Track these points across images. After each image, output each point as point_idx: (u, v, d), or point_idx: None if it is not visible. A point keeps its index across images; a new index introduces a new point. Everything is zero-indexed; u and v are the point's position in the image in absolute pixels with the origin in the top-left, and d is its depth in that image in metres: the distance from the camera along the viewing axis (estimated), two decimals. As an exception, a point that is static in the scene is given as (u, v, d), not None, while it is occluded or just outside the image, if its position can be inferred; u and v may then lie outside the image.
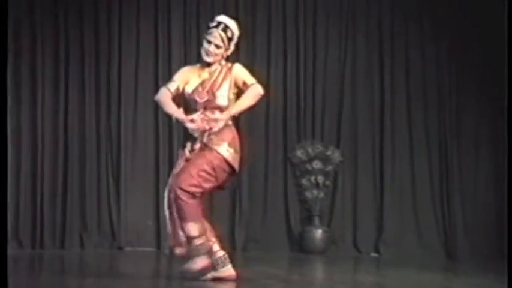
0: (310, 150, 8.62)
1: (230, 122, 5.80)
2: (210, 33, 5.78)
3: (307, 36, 8.92)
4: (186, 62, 8.65)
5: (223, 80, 5.83)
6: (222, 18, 5.89)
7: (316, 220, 8.60)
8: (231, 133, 5.78)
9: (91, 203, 8.62)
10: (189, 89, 5.76)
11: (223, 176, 5.70)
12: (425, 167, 8.83)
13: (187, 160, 5.63)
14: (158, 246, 8.58)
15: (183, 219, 5.55)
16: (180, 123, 5.71)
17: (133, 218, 8.64)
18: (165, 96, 5.74)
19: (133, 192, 8.66)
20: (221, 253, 5.67)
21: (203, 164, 5.58)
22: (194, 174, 5.54)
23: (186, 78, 5.81)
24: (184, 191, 5.51)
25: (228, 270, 5.64)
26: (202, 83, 5.77)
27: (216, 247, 5.66)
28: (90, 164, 8.66)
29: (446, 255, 8.61)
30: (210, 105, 5.75)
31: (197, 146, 5.64)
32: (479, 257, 8.31)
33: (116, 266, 7.37)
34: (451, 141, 8.83)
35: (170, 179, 5.65)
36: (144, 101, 8.70)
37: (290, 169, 8.76)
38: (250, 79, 5.90)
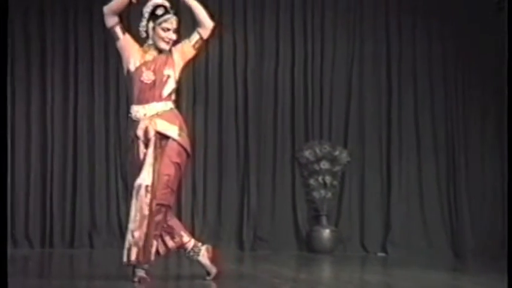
0: (317, 150, 8.59)
1: (173, 107, 5.51)
2: (166, 20, 5.49)
3: (315, 36, 8.89)
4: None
5: (166, 59, 5.52)
6: (161, 1, 5.54)
7: (324, 220, 8.56)
8: (177, 117, 5.52)
9: (100, 202, 8.63)
10: (132, 67, 5.48)
11: (184, 162, 5.48)
12: (432, 167, 8.80)
13: (144, 156, 5.36)
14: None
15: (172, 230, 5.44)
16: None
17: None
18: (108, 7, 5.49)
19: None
20: (191, 244, 5.51)
21: (171, 170, 5.35)
22: (168, 186, 5.34)
23: (136, 49, 5.49)
24: (164, 205, 5.34)
25: (207, 250, 5.50)
26: (145, 64, 5.47)
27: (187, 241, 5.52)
28: (99, 164, 8.66)
29: (454, 255, 8.57)
30: (154, 86, 5.46)
31: (151, 136, 5.36)
32: (486, 256, 8.26)
33: (125, 266, 7.31)
34: (458, 142, 8.79)
35: (141, 188, 5.28)
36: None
37: (298, 169, 8.73)
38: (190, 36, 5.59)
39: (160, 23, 5.50)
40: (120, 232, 8.54)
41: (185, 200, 8.60)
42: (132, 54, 5.49)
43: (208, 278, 5.50)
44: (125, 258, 5.31)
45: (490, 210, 8.63)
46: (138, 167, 5.36)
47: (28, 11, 8.67)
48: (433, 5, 8.85)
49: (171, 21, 5.52)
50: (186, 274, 5.95)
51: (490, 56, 8.59)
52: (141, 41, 5.59)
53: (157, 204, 5.30)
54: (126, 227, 5.37)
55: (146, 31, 5.53)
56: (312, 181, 8.61)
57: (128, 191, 8.57)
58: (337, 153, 8.64)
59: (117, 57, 8.41)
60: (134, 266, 5.38)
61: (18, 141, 8.60)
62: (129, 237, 5.28)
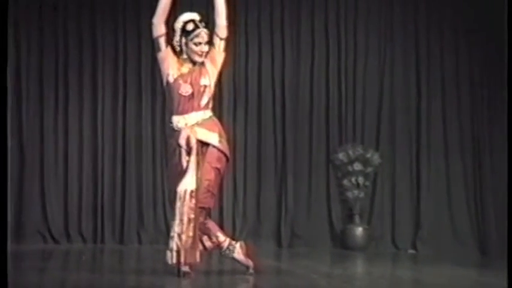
0: (351, 153, 8.60)
1: (212, 114, 5.62)
2: (197, 35, 5.57)
3: (348, 44, 8.90)
4: (235, 67, 8.70)
5: (200, 70, 5.61)
6: (191, 16, 5.66)
7: (357, 218, 8.58)
8: (216, 125, 5.64)
9: (147, 202, 8.69)
10: (171, 77, 5.57)
11: (223, 167, 5.61)
12: (459, 168, 8.77)
13: (186, 163, 5.47)
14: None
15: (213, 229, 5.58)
16: None
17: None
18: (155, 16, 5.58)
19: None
20: (226, 243, 5.66)
21: (211, 175, 5.48)
22: (209, 190, 5.48)
23: (174, 61, 5.61)
24: (205, 208, 5.50)
25: (241, 246, 5.64)
26: (182, 76, 5.57)
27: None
28: (146, 166, 8.73)
29: (480, 252, 8.55)
30: (193, 97, 5.57)
31: (193, 145, 5.47)
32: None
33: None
34: (484, 144, 8.76)
35: (186, 193, 5.39)
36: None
37: (332, 170, 8.76)
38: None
39: (192, 39, 5.58)
40: (166, 230, 8.60)
41: (226, 200, 8.64)
42: (171, 66, 5.58)
43: (248, 272, 5.58)
44: (173, 260, 5.42)
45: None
46: (181, 173, 5.45)
47: (81, 18, 8.76)
48: (460, 12, 8.83)
49: (202, 35, 5.60)
50: (228, 269, 6.00)
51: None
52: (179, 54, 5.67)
53: (200, 207, 5.42)
54: (170, 230, 5.46)
55: (180, 46, 5.62)
56: (345, 182, 8.64)
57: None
58: (369, 155, 8.65)
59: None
60: (174, 265, 5.46)
61: (72, 145, 8.70)
62: (176, 240, 5.39)
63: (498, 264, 7.70)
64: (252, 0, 8.89)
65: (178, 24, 5.64)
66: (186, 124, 5.53)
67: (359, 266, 7.41)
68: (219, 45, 5.62)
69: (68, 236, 8.59)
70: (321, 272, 6.13)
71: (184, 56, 5.63)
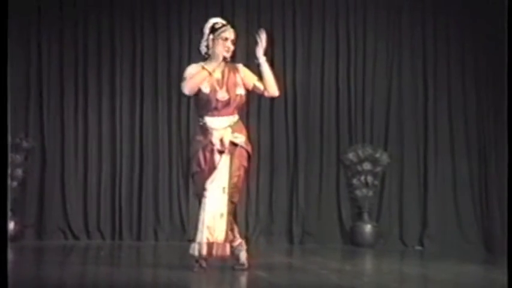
0: (360, 152, 8.60)
1: (238, 117, 5.79)
2: (224, 31, 5.69)
3: (358, 47, 8.89)
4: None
5: (235, 78, 5.75)
6: (220, 19, 5.81)
7: (366, 216, 8.58)
8: (243, 127, 5.80)
9: (163, 199, 8.71)
10: (206, 90, 5.68)
11: (249, 166, 5.78)
12: (465, 167, 8.76)
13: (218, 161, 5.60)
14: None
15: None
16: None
17: (201, 214, 8.68)
18: (188, 82, 5.65)
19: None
20: (238, 240, 5.77)
21: (240, 172, 5.64)
22: (237, 186, 5.65)
23: (196, 71, 5.71)
24: (233, 203, 5.64)
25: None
26: (217, 82, 5.70)
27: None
28: (163, 165, 8.75)
29: (485, 248, 8.52)
30: (229, 103, 5.70)
31: (226, 145, 5.62)
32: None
33: (186, 257, 7.42)
34: (489, 144, 8.75)
35: (218, 188, 5.55)
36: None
37: (342, 170, 8.75)
38: (257, 80, 5.78)
39: (219, 34, 5.69)
40: (181, 226, 8.64)
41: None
42: (204, 81, 5.67)
43: (237, 267, 5.69)
44: (201, 252, 5.53)
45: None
46: (211, 169, 5.57)
47: (100, 20, 8.78)
48: (466, 16, 8.81)
49: (230, 32, 5.72)
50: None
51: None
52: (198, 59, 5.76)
53: (231, 202, 5.56)
54: (196, 224, 5.58)
55: (207, 45, 5.69)
56: (355, 181, 8.64)
57: (188, 189, 8.69)
58: (378, 155, 8.64)
59: (179, 65, 8.69)
60: (199, 258, 5.51)
61: (91, 144, 8.74)
62: (206, 233, 5.51)
63: (503, 260, 7.64)
64: (265, 4, 8.89)
65: (208, 25, 5.77)
66: (219, 126, 5.65)
67: (368, 262, 7.41)
68: (256, 88, 5.78)
69: (88, 232, 8.63)
70: (331, 268, 6.13)
71: (210, 53, 5.72)
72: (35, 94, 8.72)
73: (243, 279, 5.58)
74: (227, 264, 5.84)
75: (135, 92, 8.80)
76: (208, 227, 5.51)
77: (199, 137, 5.70)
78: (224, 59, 5.70)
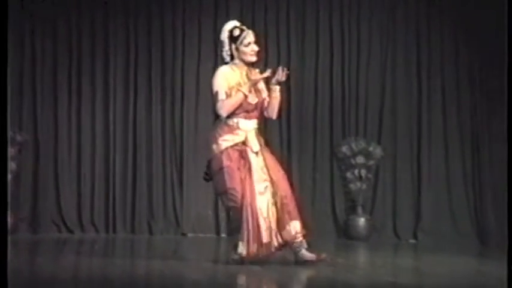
0: (354, 146, 8.60)
1: None
2: (245, 37, 5.70)
3: (352, 41, 8.87)
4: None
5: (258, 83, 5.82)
6: (233, 23, 5.79)
7: (360, 209, 8.58)
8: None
9: (157, 193, 8.70)
10: (238, 95, 5.69)
11: None
12: (459, 161, 8.76)
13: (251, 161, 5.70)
14: (217, 232, 8.63)
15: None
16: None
17: (195, 207, 8.70)
18: (225, 104, 5.67)
19: (195, 184, 8.69)
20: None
21: (280, 168, 5.87)
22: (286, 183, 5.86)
23: (228, 83, 5.71)
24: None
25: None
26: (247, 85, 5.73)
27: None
28: (156, 159, 8.73)
29: (479, 241, 8.52)
30: (257, 107, 5.78)
31: (262, 145, 5.82)
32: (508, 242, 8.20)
33: (180, 250, 7.44)
34: (483, 137, 8.74)
35: (262, 188, 5.69)
36: (204, 101, 8.75)
37: (336, 163, 8.74)
38: (267, 95, 5.91)
39: (241, 41, 5.69)
40: (175, 220, 8.63)
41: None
42: (233, 89, 5.71)
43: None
44: (249, 251, 5.59)
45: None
46: (249, 170, 5.67)
47: (94, 15, 8.76)
48: (460, 10, 8.81)
49: (250, 35, 5.73)
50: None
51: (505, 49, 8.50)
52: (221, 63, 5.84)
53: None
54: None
55: (230, 54, 5.71)
56: (348, 174, 8.63)
57: (181, 182, 8.68)
58: (371, 148, 8.63)
59: (172, 62, 8.68)
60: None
61: (85, 137, 8.71)
62: (291, 228, 5.69)
63: (496, 253, 7.71)
64: (259, 1, 8.87)
65: (224, 34, 5.77)
66: (251, 127, 5.76)
67: (362, 256, 7.42)
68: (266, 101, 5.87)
69: (81, 225, 8.61)
70: (325, 261, 6.11)
71: (236, 61, 5.75)
72: (28, 87, 8.69)
73: (235, 270, 5.57)
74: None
75: (129, 84, 8.78)
76: (255, 227, 5.58)
77: (228, 136, 5.72)
78: (251, 63, 5.77)
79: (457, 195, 8.70)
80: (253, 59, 5.75)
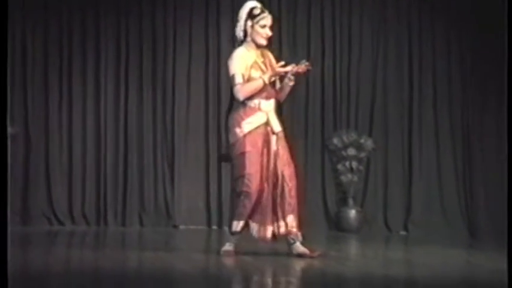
0: (345, 138, 8.60)
1: None
2: (263, 18, 5.72)
3: (343, 33, 8.86)
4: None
5: (271, 62, 5.85)
6: (256, 3, 5.80)
7: (351, 202, 8.59)
8: None
9: (149, 186, 8.68)
10: (256, 74, 5.71)
11: None
12: (449, 154, 8.77)
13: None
14: (209, 224, 8.64)
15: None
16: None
17: (186, 200, 8.70)
18: (243, 89, 5.66)
19: (186, 176, 8.72)
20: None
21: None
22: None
23: (245, 64, 5.72)
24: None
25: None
26: (264, 66, 5.76)
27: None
28: (148, 152, 8.72)
29: (469, 233, 8.54)
30: (274, 86, 5.80)
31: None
32: (499, 234, 8.21)
33: (171, 242, 7.45)
34: (474, 130, 8.76)
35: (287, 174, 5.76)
36: (195, 94, 8.77)
37: (327, 155, 8.75)
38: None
39: (258, 21, 5.70)
40: (166, 212, 8.63)
41: (225, 185, 8.68)
42: (251, 69, 5.71)
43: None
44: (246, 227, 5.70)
45: (502, 193, 8.56)
46: (275, 154, 5.72)
47: (85, 10, 8.73)
48: (452, 5, 8.82)
49: (268, 19, 5.75)
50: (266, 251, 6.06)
51: (502, 54, 8.54)
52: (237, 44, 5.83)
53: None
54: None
55: (244, 30, 5.68)
56: (339, 166, 8.64)
57: (173, 175, 8.68)
58: (362, 140, 8.64)
59: (164, 57, 8.67)
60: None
61: (76, 129, 8.68)
62: (288, 220, 5.75)
63: (486, 245, 7.75)
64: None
65: (244, 10, 5.76)
66: (270, 108, 5.76)
67: (353, 248, 7.44)
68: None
69: (72, 218, 8.59)
70: (316, 252, 6.12)
71: (249, 39, 5.71)
72: (19, 79, 8.65)
73: (229, 261, 5.59)
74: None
75: (120, 78, 8.75)
76: (288, 213, 5.75)
77: (250, 119, 5.70)
78: (262, 45, 5.76)
79: (448, 187, 8.72)
80: (264, 42, 5.75)
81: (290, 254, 5.81)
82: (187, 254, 6.04)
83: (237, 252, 5.76)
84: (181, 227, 8.59)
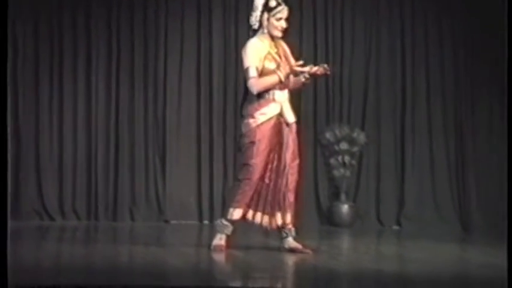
0: (337, 132, 8.60)
1: None
2: (280, 11, 5.70)
3: (335, 27, 8.85)
4: (226, 55, 8.72)
5: (286, 52, 5.84)
6: None
7: (343, 196, 8.59)
8: None
9: (140, 180, 8.66)
10: (270, 66, 5.71)
11: None
12: (442, 148, 8.78)
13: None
14: (200, 219, 8.63)
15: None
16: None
17: (178, 195, 8.69)
18: (258, 83, 5.65)
19: (177, 171, 8.70)
20: None
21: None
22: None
23: (259, 56, 5.70)
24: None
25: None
26: (279, 57, 5.75)
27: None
28: (139, 146, 8.70)
29: (462, 228, 8.55)
30: (288, 77, 5.79)
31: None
32: (492, 229, 8.23)
33: (163, 237, 7.44)
34: (467, 124, 8.76)
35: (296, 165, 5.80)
36: (187, 89, 8.75)
37: (319, 150, 8.74)
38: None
39: (274, 14, 5.69)
40: (158, 207, 8.62)
41: (217, 180, 8.67)
42: (264, 60, 5.70)
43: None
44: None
45: (495, 188, 8.58)
46: (287, 144, 5.74)
47: (76, 10, 8.71)
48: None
49: (284, 12, 5.73)
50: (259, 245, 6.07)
51: (497, 48, 8.54)
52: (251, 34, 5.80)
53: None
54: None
55: (260, 21, 5.68)
56: (332, 160, 8.63)
57: (164, 170, 8.66)
58: (355, 135, 8.64)
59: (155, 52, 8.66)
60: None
61: (66, 124, 8.65)
62: (285, 213, 5.77)
63: (479, 239, 7.76)
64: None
65: (260, 1, 5.70)
66: (284, 98, 5.78)
67: (345, 242, 7.44)
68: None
69: (63, 213, 8.56)
70: (308, 248, 6.13)
71: (265, 31, 5.72)
72: (9, 75, 8.59)
73: (221, 257, 5.58)
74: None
75: (111, 72, 8.72)
76: (290, 200, 5.79)
77: (265, 109, 5.69)
78: (278, 37, 5.76)
79: (440, 181, 8.72)
80: (279, 35, 5.75)
81: (282, 248, 5.80)
82: (178, 249, 6.03)
83: (227, 246, 5.74)
84: (173, 222, 8.57)
